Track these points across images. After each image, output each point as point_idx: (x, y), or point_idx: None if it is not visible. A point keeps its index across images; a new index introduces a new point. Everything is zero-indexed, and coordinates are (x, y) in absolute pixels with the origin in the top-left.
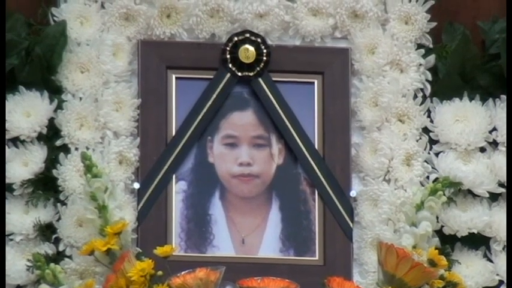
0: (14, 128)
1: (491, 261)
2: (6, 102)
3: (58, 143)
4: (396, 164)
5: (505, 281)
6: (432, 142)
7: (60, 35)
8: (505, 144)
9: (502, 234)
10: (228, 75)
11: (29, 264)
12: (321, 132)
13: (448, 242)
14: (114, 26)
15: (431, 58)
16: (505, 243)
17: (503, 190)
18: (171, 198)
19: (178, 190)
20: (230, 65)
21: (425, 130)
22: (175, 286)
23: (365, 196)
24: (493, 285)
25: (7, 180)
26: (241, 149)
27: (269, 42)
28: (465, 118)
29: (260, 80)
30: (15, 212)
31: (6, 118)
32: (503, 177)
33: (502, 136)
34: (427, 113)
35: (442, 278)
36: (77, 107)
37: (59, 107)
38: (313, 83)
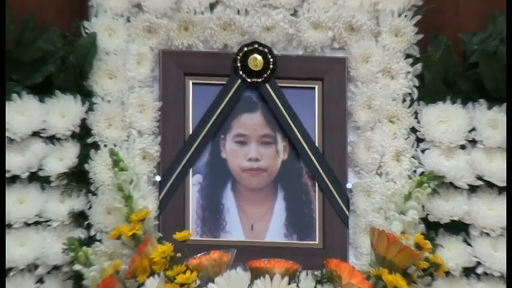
0: (51, 127)
1: (470, 245)
2: (44, 105)
3: (89, 140)
4: (387, 160)
5: (482, 263)
6: (419, 140)
7: (91, 45)
8: (483, 143)
9: (480, 221)
10: (239, 81)
11: (65, 247)
12: (321, 131)
13: (432, 228)
14: (138, 38)
15: (418, 66)
16: (482, 230)
17: (481, 183)
18: (189, 189)
19: (194, 182)
20: (241, 72)
21: (413, 130)
22: (192, 266)
23: (359, 188)
24: (471, 265)
25: (45, 173)
26: (251, 146)
27: (275, 52)
28: (448, 119)
29: (267, 85)
30: (52, 201)
31: (45, 119)
32: (481, 172)
33: (480, 135)
34: (414, 115)
35: (427, 259)
36: (105, 109)
37: (90, 109)
38: (314, 88)
